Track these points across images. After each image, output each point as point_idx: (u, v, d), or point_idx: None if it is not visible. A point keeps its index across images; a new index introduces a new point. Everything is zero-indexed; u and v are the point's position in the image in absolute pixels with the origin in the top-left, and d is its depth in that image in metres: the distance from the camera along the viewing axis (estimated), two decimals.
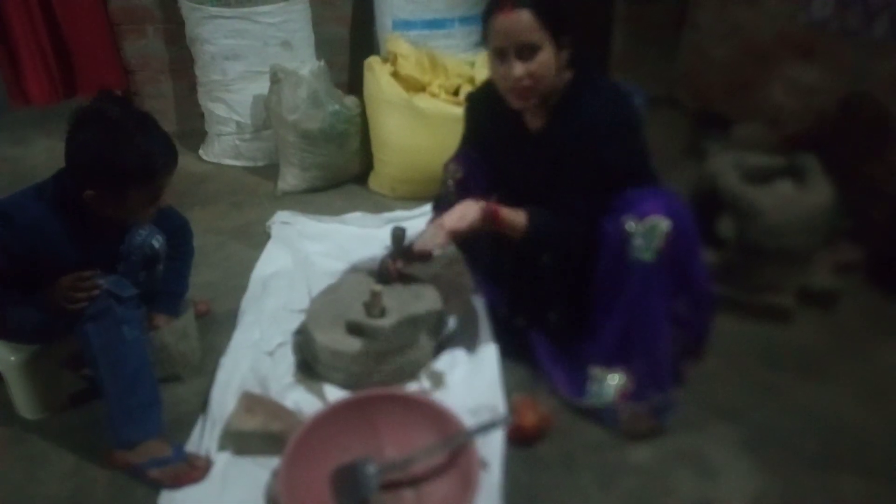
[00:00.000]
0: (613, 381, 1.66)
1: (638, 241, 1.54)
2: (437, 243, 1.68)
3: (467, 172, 1.86)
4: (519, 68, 1.57)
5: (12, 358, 1.67)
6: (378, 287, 1.83)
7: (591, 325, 1.69)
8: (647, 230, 1.53)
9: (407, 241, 1.87)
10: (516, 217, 1.67)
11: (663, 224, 1.52)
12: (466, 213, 1.66)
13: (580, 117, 1.59)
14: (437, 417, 1.53)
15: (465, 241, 1.78)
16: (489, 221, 1.67)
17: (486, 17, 1.60)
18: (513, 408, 1.64)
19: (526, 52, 1.55)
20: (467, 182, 1.86)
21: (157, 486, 1.51)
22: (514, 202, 1.81)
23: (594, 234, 1.62)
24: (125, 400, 1.51)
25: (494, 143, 1.82)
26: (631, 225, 1.54)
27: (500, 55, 1.59)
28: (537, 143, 1.70)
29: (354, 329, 1.82)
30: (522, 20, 1.54)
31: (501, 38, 1.57)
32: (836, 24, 2.40)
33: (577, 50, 1.61)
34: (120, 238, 1.67)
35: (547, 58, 1.56)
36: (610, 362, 1.67)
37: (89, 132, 1.42)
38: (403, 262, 1.90)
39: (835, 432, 1.67)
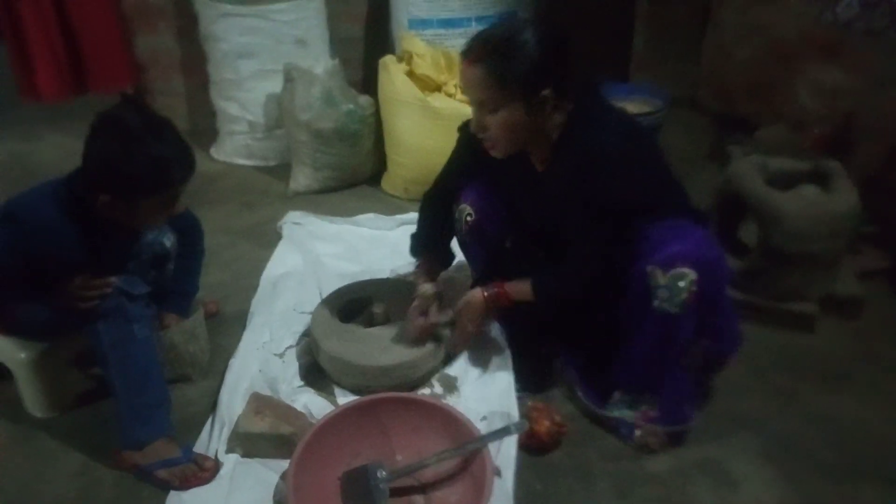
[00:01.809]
0: (637, 405, 1.63)
1: (663, 293, 1.46)
2: (467, 341, 1.77)
3: (480, 215, 1.78)
4: (475, 123, 1.53)
5: (22, 355, 1.67)
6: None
7: (618, 356, 1.64)
8: (672, 282, 1.44)
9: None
10: (522, 288, 1.65)
11: (689, 276, 1.43)
12: (473, 314, 1.72)
13: (579, 152, 1.50)
14: (450, 423, 1.52)
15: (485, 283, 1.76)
16: (496, 302, 1.69)
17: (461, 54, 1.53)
18: (527, 414, 1.61)
19: (484, 107, 1.49)
20: (480, 224, 1.79)
21: (164, 487, 1.50)
22: (529, 243, 1.79)
23: (615, 271, 1.54)
24: (134, 399, 1.51)
25: (502, 179, 1.74)
26: (656, 276, 1.46)
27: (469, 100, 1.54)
28: (543, 181, 1.63)
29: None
30: (476, 78, 1.46)
31: (462, 87, 1.53)
32: (861, 25, 2.36)
33: (574, 87, 1.51)
34: (132, 242, 1.67)
35: (507, 117, 1.48)
36: (635, 392, 1.63)
37: (105, 139, 1.42)
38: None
39: (857, 442, 1.64)
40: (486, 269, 1.86)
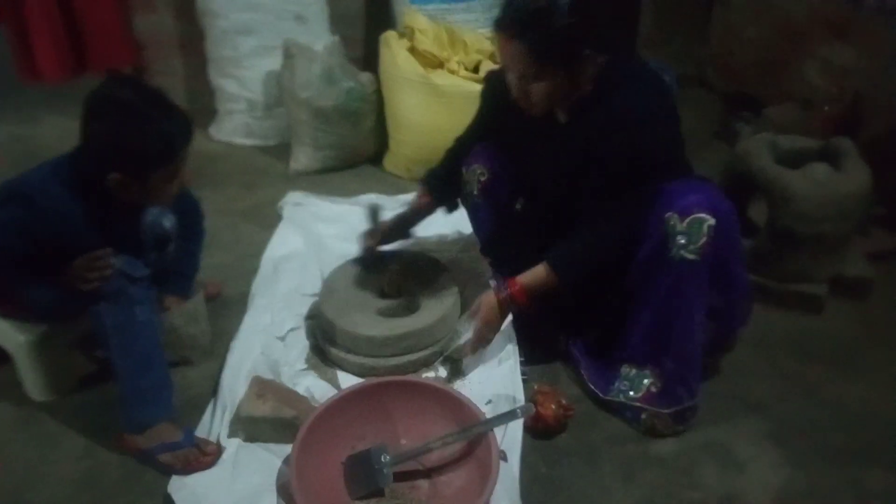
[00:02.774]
0: (641, 382, 1.61)
1: (681, 239, 1.47)
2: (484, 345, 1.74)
3: (492, 175, 1.79)
4: (515, 89, 1.52)
5: (21, 338, 1.66)
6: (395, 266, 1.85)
7: (626, 325, 1.64)
8: (691, 227, 1.46)
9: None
10: (537, 276, 1.61)
11: (708, 221, 1.45)
12: (488, 318, 1.67)
13: (612, 107, 1.50)
14: (454, 406, 1.51)
15: (493, 247, 1.77)
16: (513, 303, 1.65)
17: (494, 24, 1.51)
18: (533, 397, 1.60)
19: (526, 79, 1.49)
20: (492, 185, 1.80)
21: (167, 471, 1.50)
22: (540, 203, 1.77)
23: (630, 232, 1.54)
24: (136, 381, 1.51)
25: (518, 134, 1.73)
26: (673, 221, 1.47)
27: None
28: (566, 134, 1.62)
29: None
30: (517, 53, 1.46)
31: (501, 59, 1.53)
32: (873, 3, 2.33)
33: (607, 43, 1.50)
34: (136, 221, 1.68)
35: (549, 84, 1.49)
36: (641, 360, 1.62)
37: (106, 119, 1.42)
38: (379, 240, 1.94)
39: (863, 425, 1.64)
40: (495, 232, 1.86)
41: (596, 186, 1.55)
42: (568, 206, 1.65)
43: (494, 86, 1.72)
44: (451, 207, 1.97)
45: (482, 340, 1.73)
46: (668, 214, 1.48)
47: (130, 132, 1.41)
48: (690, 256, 1.47)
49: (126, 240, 1.58)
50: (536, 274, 1.62)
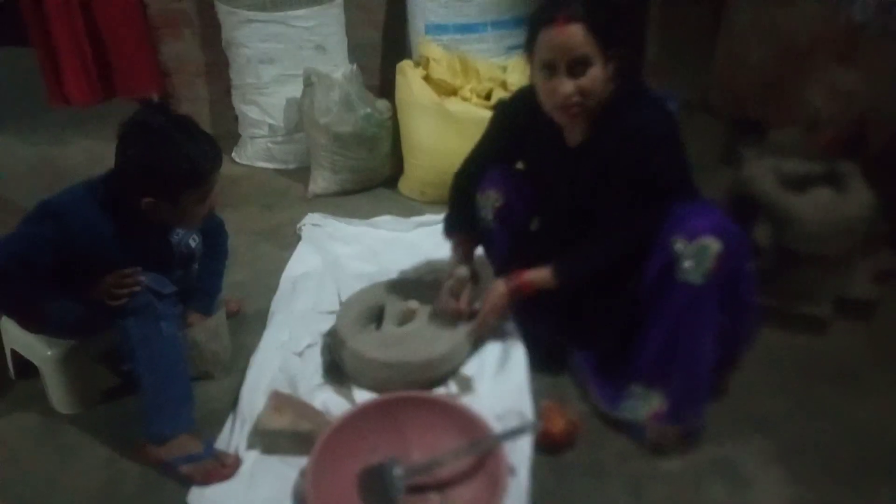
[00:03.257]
0: (649, 401, 1.62)
1: (687, 263, 1.47)
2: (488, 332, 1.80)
3: (507, 200, 1.80)
4: (569, 85, 1.50)
5: (49, 352, 1.70)
6: (415, 303, 1.86)
7: (635, 343, 1.65)
8: (698, 252, 1.45)
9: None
10: (541, 275, 1.67)
11: (714, 245, 1.44)
12: (497, 303, 1.73)
13: (623, 129, 1.53)
14: (465, 421, 1.53)
15: (504, 271, 1.79)
16: (519, 294, 1.71)
17: (533, 27, 1.53)
18: (541, 413, 1.62)
19: (578, 67, 1.49)
20: (508, 210, 1.81)
21: (187, 482, 1.53)
22: (557, 224, 1.80)
23: (641, 248, 1.56)
24: (160, 394, 1.54)
25: (532, 157, 1.77)
26: (680, 246, 1.47)
27: (548, 69, 1.51)
28: (578, 156, 1.64)
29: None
30: (576, 34, 1.46)
31: (552, 52, 1.50)
32: (877, 27, 2.35)
33: (624, 60, 1.55)
34: (163, 240, 1.73)
35: (597, 72, 1.49)
36: (649, 380, 1.62)
37: (139, 145, 1.48)
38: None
39: (870, 443, 1.63)
40: (510, 255, 1.86)
41: (608, 202, 1.59)
42: (583, 225, 1.68)
43: (513, 109, 1.76)
44: (479, 239, 1.95)
45: (486, 325, 1.78)
46: (674, 238, 1.48)
47: (163, 157, 1.47)
48: (697, 280, 1.47)
49: (153, 258, 1.63)
50: (541, 273, 1.67)
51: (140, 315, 1.52)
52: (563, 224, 1.77)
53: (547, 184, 1.76)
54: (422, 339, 1.82)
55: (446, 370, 1.79)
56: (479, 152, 1.88)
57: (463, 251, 1.90)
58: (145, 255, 1.60)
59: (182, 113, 1.59)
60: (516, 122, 1.71)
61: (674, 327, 1.53)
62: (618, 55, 1.52)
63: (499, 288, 1.74)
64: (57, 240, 1.48)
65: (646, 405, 1.62)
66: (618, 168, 1.54)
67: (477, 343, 1.86)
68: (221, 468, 1.54)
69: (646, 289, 1.57)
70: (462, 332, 1.82)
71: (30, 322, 1.68)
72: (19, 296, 1.56)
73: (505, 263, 1.90)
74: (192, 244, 1.80)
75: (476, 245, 1.94)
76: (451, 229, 1.93)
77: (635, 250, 1.57)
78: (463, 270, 1.84)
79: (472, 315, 1.84)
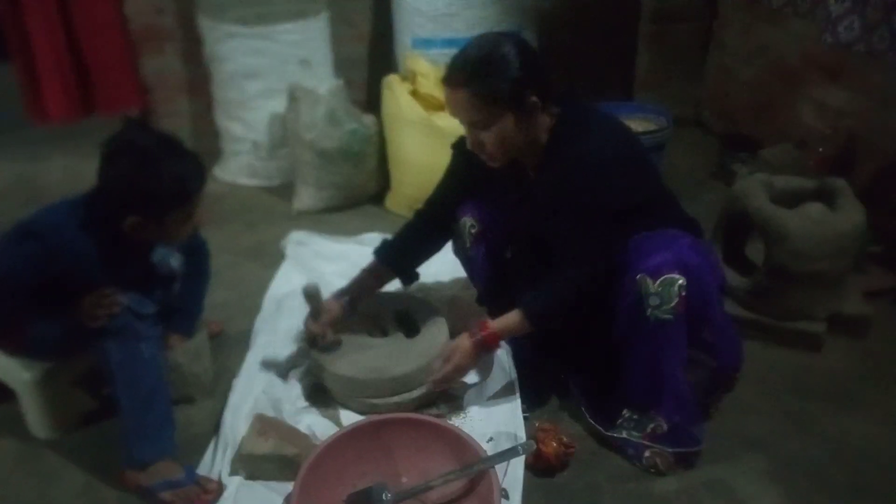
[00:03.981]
0: (646, 423, 1.62)
1: (654, 301, 1.49)
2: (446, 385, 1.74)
3: (483, 226, 1.81)
4: (470, 142, 1.57)
5: (26, 375, 1.67)
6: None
7: (620, 373, 1.65)
8: (663, 289, 1.48)
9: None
10: (511, 321, 1.64)
11: (678, 281, 1.47)
12: (461, 363, 1.67)
13: (566, 156, 1.54)
14: (456, 444, 1.51)
15: (490, 297, 1.79)
16: (485, 348, 1.68)
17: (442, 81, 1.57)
18: (534, 435, 1.60)
19: (476, 126, 1.53)
20: (484, 236, 1.82)
21: None
22: (527, 252, 1.79)
23: (599, 275, 1.56)
24: (140, 417, 1.52)
25: (494, 189, 1.76)
26: (646, 284, 1.49)
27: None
28: (535, 190, 1.66)
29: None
30: (462, 101, 1.51)
31: (450, 111, 1.56)
32: (862, 46, 2.38)
33: (556, 94, 1.56)
34: (145, 259, 1.71)
35: (500, 130, 1.52)
36: (641, 407, 1.63)
37: (122, 164, 1.46)
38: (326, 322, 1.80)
39: (864, 462, 1.64)
40: (492, 281, 1.88)
41: (559, 233, 1.58)
42: (548, 254, 1.67)
43: (463, 152, 1.71)
44: (410, 279, 1.93)
45: (446, 382, 1.73)
46: (639, 276, 1.50)
47: (149, 177, 1.45)
48: (665, 317, 1.49)
49: (134, 278, 1.60)
50: (510, 319, 1.64)
51: (119, 336, 1.50)
52: (530, 253, 1.77)
53: (511, 214, 1.77)
54: (398, 350, 1.79)
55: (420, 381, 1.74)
56: (441, 188, 1.87)
57: (369, 277, 1.89)
58: (126, 274, 1.57)
59: (164, 130, 1.57)
60: (475, 158, 1.65)
61: (652, 360, 1.56)
62: (540, 97, 1.51)
63: (463, 344, 1.67)
64: (37, 260, 1.46)
65: (642, 427, 1.62)
66: (565, 199, 1.54)
67: (430, 396, 1.78)
68: (203, 494, 1.51)
69: (620, 324, 1.58)
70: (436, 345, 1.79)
71: (7, 343, 1.65)
72: (6, 313, 1.53)
73: (486, 293, 1.93)
74: (174, 264, 1.78)
75: (400, 277, 1.92)
76: (382, 250, 1.89)
77: (596, 280, 1.56)
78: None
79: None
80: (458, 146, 1.77)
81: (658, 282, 1.48)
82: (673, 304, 1.48)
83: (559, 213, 1.57)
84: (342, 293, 1.87)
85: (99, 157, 1.48)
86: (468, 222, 1.82)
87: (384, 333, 1.90)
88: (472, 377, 1.83)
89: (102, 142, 1.48)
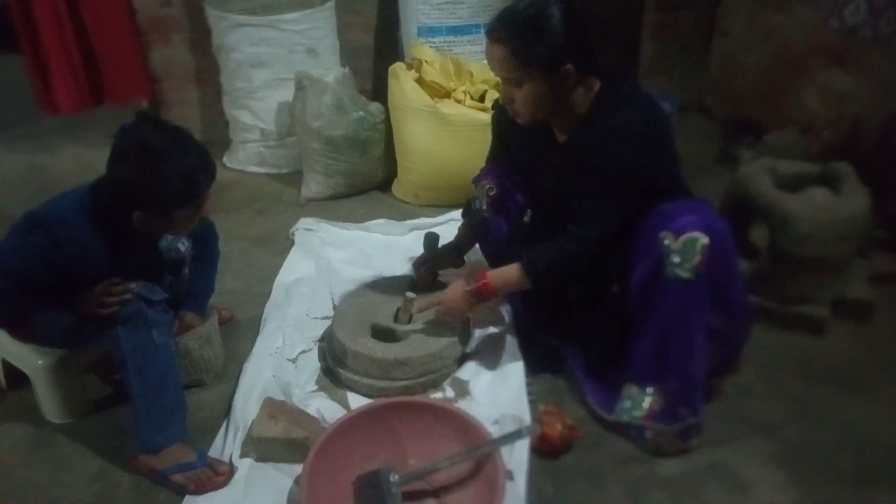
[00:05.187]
0: (645, 400, 1.62)
1: (675, 258, 1.49)
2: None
3: (501, 189, 1.83)
4: (502, 95, 1.59)
5: (39, 361, 1.69)
6: (412, 294, 1.84)
7: (628, 344, 1.65)
8: (685, 246, 1.47)
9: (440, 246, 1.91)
10: (509, 274, 1.66)
11: (701, 240, 1.47)
12: (451, 305, 1.75)
13: (605, 127, 1.54)
14: (461, 427, 1.52)
15: (501, 262, 1.78)
16: (479, 297, 1.71)
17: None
18: (539, 418, 1.61)
19: (509, 82, 1.55)
20: (501, 199, 1.83)
21: (180, 492, 1.52)
22: (547, 218, 1.81)
23: (605, 244, 1.57)
24: (152, 403, 1.53)
25: (523, 154, 1.79)
26: (668, 242, 1.49)
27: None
28: (563, 153, 1.67)
29: (380, 333, 1.83)
30: (500, 56, 1.52)
31: (489, 64, 1.58)
32: (868, 30, 2.36)
33: (599, 67, 1.57)
34: (153, 248, 1.72)
35: (531, 91, 1.53)
36: (644, 379, 1.62)
37: (133, 161, 1.45)
38: (434, 267, 1.95)
39: (870, 446, 1.63)
40: (504, 246, 1.88)
41: (584, 195, 1.59)
42: (572, 215, 1.68)
43: (501, 110, 1.79)
44: None
45: (440, 322, 1.81)
46: (663, 234, 1.50)
47: (159, 176, 1.45)
48: (685, 275, 1.49)
49: (143, 266, 1.62)
50: (509, 272, 1.66)
51: (130, 323, 1.50)
52: (553, 220, 1.77)
53: (536, 178, 1.78)
54: (421, 334, 1.83)
55: (447, 363, 1.79)
56: (491, 151, 1.94)
57: (462, 232, 2.02)
58: (134, 263, 1.58)
59: (174, 123, 1.56)
60: (506, 120, 1.72)
61: (665, 324, 1.55)
62: (576, 65, 1.51)
63: (456, 290, 1.74)
64: (46, 250, 1.46)
65: (641, 405, 1.62)
66: (596, 164, 1.55)
67: (472, 347, 1.84)
68: (215, 476, 1.53)
69: (636, 287, 1.58)
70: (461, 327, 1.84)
71: (19, 332, 1.66)
72: (9, 308, 1.54)
73: (497, 257, 1.91)
74: (182, 248, 1.79)
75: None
76: (463, 211, 2.03)
77: (611, 247, 1.58)
78: (411, 294, 1.84)
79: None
80: (495, 103, 1.85)
81: (681, 240, 1.48)
82: (695, 261, 1.47)
83: (586, 176, 1.58)
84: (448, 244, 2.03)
85: (109, 150, 1.48)
86: (486, 185, 1.84)
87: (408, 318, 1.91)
88: (477, 361, 1.85)
89: (113, 134, 1.48)
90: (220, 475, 1.53)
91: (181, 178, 1.47)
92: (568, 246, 1.59)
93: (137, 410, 1.53)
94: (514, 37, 1.49)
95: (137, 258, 1.62)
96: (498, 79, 1.62)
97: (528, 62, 1.49)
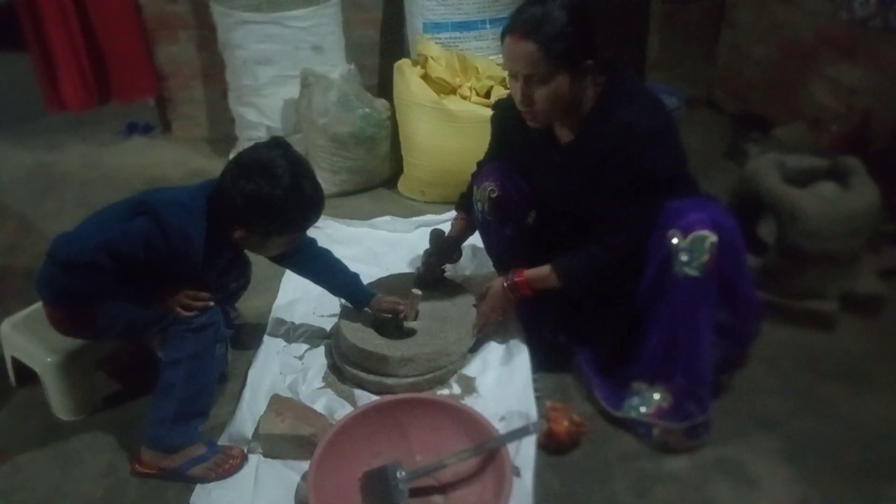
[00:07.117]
0: (653, 397, 1.62)
1: (683, 256, 1.49)
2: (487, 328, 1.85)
3: (503, 191, 1.82)
4: (520, 96, 1.56)
5: (49, 359, 1.70)
6: (418, 290, 1.84)
7: (636, 341, 1.65)
8: (693, 245, 1.48)
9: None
10: (542, 272, 1.69)
11: (710, 238, 1.47)
12: (495, 303, 1.79)
13: (613, 126, 1.53)
14: (468, 423, 1.53)
15: (506, 264, 1.81)
16: (516, 293, 1.73)
17: (503, 31, 1.56)
18: (546, 414, 1.61)
19: (533, 81, 1.53)
20: (503, 201, 1.83)
21: (202, 481, 1.54)
22: (551, 218, 1.81)
23: (637, 246, 1.57)
24: (187, 407, 1.56)
25: (524, 155, 1.78)
26: (676, 240, 1.49)
27: (511, 74, 1.58)
28: (568, 154, 1.66)
29: (387, 330, 1.84)
30: (528, 53, 1.50)
31: (509, 63, 1.56)
32: (878, 22, 2.34)
33: (606, 62, 1.56)
34: (238, 256, 1.78)
35: (555, 88, 1.52)
36: (652, 377, 1.62)
37: (256, 181, 1.48)
38: (439, 262, 1.99)
39: (878, 441, 1.62)
40: (509, 247, 1.89)
41: (604, 201, 1.58)
42: (577, 219, 1.70)
43: (503, 110, 1.78)
44: None
45: (488, 323, 1.82)
46: (671, 232, 1.50)
47: (278, 206, 1.49)
48: (693, 273, 1.49)
49: (225, 264, 1.69)
50: (542, 273, 1.69)
51: (202, 331, 1.55)
52: (557, 220, 1.79)
53: (539, 179, 1.78)
54: (428, 331, 1.84)
55: (453, 360, 1.80)
56: (489, 149, 1.94)
57: (458, 225, 2.03)
58: (219, 261, 1.65)
59: (298, 155, 1.56)
60: (509, 119, 1.71)
61: (673, 322, 1.55)
62: (595, 62, 1.52)
63: (496, 286, 1.77)
64: (151, 236, 1.47)
65: (649, 403, 1.62)
66: (607, 165, 1.55)
67: (479, 342, 1.86)
68: (230, 459, 1.56)
69: (645, 285, 1.58)
70: (467, 322, 1.85)
71: (74, 322, 1.63)
72: (99, 287, 1.53)
73: (503, 258, 1.93)
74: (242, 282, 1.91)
75: (471, 227, 2.00)
76: (457, 204, 2.06)
77: (635, 245, 1.58)
78: (417, 291, 1.85)
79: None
80: (497, 106, 1.85)
81: (689, 238, 1.47)
82: (703, 260, 1.47)
83: (597, 181, 1.57)
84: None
85: (234, 163, 1.52)
86: (488, 187, 1.83)
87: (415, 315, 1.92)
88: (484, 357, 1.85)
89: (241, 152, 1.54)
90: (234, 458, 1.56)
91: (295, 211, 1.52)
92: (602, 254, 1.61)
93: (168, 410, 1.54)
94: (539, 31, 1.47)
95: (223, 258, 1.67)
96: (504, 75, 1.61)
97: (554, 57, 1.48)
